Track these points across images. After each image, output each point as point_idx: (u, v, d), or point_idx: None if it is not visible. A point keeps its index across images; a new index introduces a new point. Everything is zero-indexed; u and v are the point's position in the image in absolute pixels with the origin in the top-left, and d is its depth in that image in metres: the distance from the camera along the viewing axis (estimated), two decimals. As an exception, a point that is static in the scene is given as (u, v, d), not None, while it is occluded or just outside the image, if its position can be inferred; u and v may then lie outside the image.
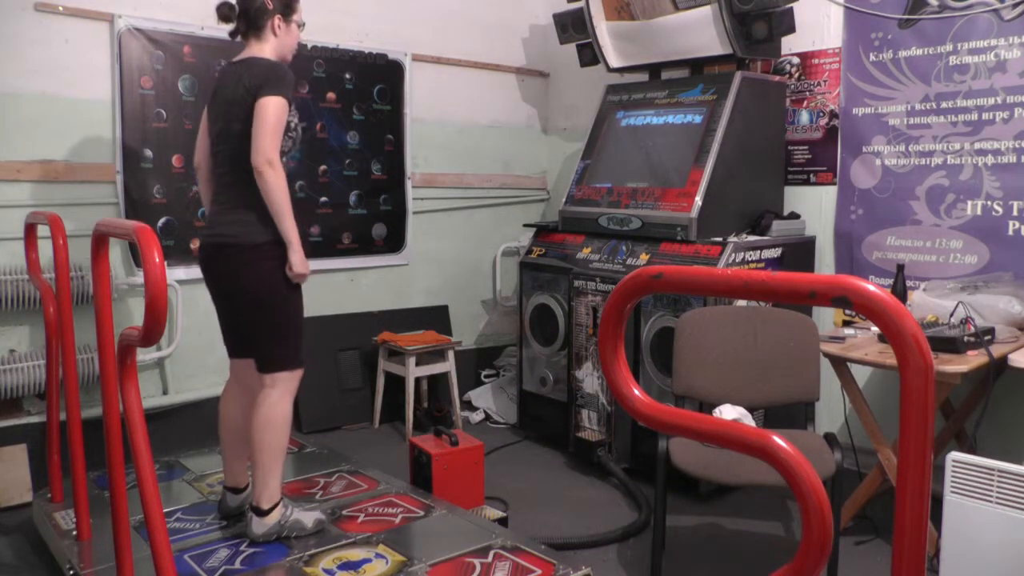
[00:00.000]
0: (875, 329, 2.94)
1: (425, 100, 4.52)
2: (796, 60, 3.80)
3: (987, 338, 2.68)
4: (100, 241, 2.06)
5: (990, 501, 2.20)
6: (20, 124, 3.28)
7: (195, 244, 3.72)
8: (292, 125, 2.50)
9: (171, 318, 3.60)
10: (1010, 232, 3.17)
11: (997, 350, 2.63)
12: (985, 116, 3.21)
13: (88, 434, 2.62)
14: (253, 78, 2.43)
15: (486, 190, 4.85)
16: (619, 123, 3.98)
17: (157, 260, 1.67)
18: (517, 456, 3.90)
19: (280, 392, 2.52)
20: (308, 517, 2.62)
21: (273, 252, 2.46)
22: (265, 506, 2.52)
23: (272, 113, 2.37)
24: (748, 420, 2.72)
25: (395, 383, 4.21)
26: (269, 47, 2.55)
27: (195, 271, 3.65)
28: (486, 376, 4.79)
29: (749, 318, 2.89)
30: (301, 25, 2.65)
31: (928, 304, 2.91)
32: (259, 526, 2.53)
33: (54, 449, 2.88)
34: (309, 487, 3.03)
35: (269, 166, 2.35)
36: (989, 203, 3.22)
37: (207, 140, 2.65)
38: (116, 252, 3.48)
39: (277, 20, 2.55)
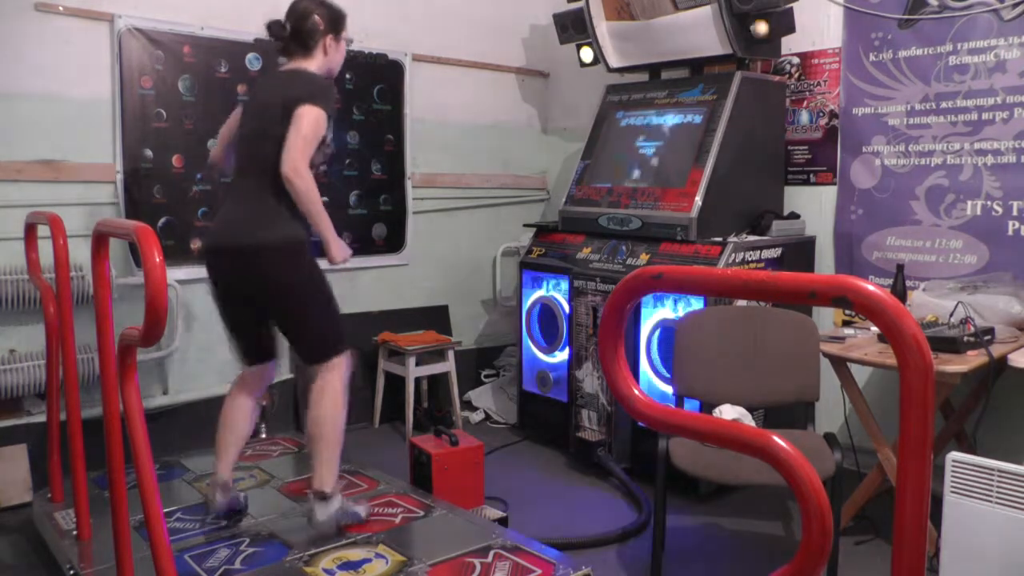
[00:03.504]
0: (875, 329, 2.94)
1: (425, 100, 4.52)
2: (796, 60, 3.80)
3: (987, 338, 2.68)
4: (100, 241, 2.06)
5: (990, 501, 2.20)
6: (20, 124, 3.28)
7: (195, 244, 3.72)
8: (327, 140, 2.52)
9: (171, 318, 3.60)
10: (1010, 232, 3.17)
11: (997, 350, 2.63)
12: (985, 116, 3.21)
13: (88, 434, 2.62)
14: (298, 88, 2.46)
15: (486, 190, 4.85)
16: (619, 123, 3.98)
17: (157, 260, 1.67)
18: (517, 456, 3.90)
19: (338, 375, 2.58)
20: (362, 509, 2.69)
21: (302, 247, 2.52)
22: (329, 490, 2.57)
23: (309, 123, 2.40)
24: (748, 420, 2.72)
25: (395, 383, 4.21)
26: (316, 63, 2.59)
27: (195, 271, 3.67)
28: (486, 376, 4.79)
29: (749, 318, 2.89)
30: (349, 42, 2.70)
31: (928, 304, 2.91)
32: (323, 512, 2.56)
33: (54, 449, 2.88)
34: (309, 487, 3.02)
35: (295, 174, 2.36)
36: (989, 203, 3.22)
37: (230, 140, 2.70)
38: (116, 252, 3.48)
39: (329, 39, 2.59)
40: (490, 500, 3.15)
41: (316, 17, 2.56)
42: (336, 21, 2.61)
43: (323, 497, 2.57)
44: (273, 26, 2.58)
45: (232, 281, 2.59)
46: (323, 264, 2.61)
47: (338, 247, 2.56)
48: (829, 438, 2.59)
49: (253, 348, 2.73)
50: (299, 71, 2.57)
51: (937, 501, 2.27)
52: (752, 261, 3.38)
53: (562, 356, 3.86)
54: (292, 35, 2.57)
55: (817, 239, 3.72)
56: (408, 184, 4.49)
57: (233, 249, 2.53)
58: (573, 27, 4.14)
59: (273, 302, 2.56)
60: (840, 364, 2.84)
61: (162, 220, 3.63)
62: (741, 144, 3.52)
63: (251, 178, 2.55)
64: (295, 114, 2.39)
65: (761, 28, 3.46)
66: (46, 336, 2.82)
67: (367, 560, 2.44)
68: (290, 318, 2.58)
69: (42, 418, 3.18)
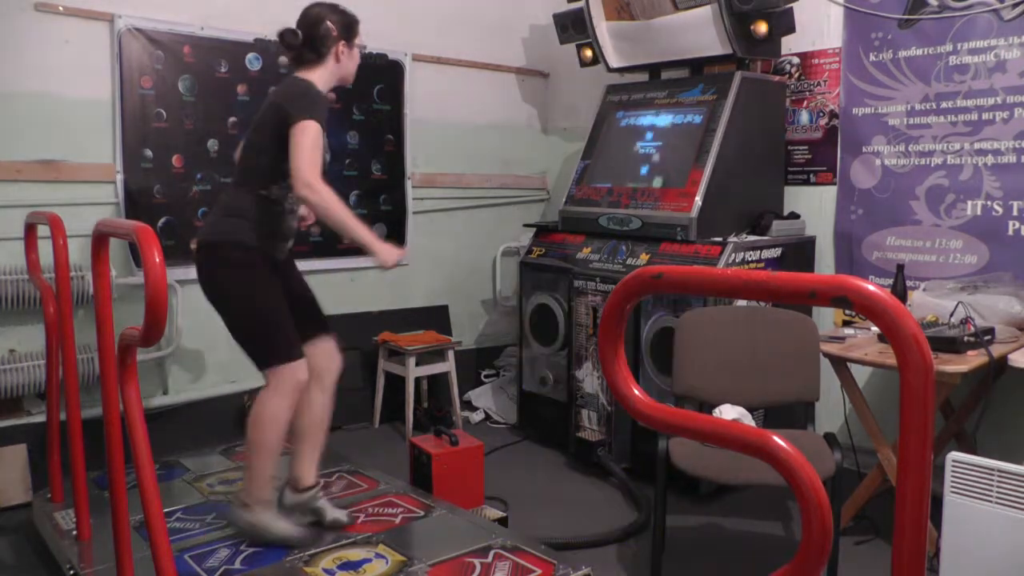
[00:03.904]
0: (875, 329, 2.94)
1: (425, 100, 4.52)
2: (796, 60, 3.80)
3: (987, 338, 2.67)
4: (100, 241, 2.06)
5: (990, 501, 2.20)
6: (20, 124, 3.28)
7: (195, 244, 3.71)
8: (324, 146, 2.50)
9: (171, 318, 3.60)
10: (1010, 232, 3.17)
11: (997, 350, 2.63)
12: (985, 116, 3.21)
13: (88, 434, 2.62)
14: (285, 96, 2.45)
15: (486, 190, 4.85)
16: (619, 123, 3.98)
17: (157, 260, 1.67)
18: (517, 456, 3.90)
19: (275, 390, 2.46)
20: (293, 530, 2.54)
21: (234, 250, 2.46)
22: (247, 500, 2.51)
23: (307, 137, 2.36)
24: (748, 420, 2.72)
25: (395, 383, 4.21)
26: (328, 70, 2.56)
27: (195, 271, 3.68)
28: (486, 376, 4.79)
29: (749, 318, 2.89)
30: (363, 48, 2.66)
31: (928, 304, 2.91)
32: (236, 516, 2.54)
33: (54, 449, 2.87)
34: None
35: (308, 189, 2.34)
36: (989, 203, 3.22)
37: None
38: (116, 252, 3.47)
39: (342, 46, 2.56)
40: (490, 500, 3.15)
41: (328, 23, 2.52)
42: (349, 27, 2.58)
43: (244, 504, 2.51)
44: (286, 34, 2.52)
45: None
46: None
47: (384, 251, 2.48)
48: (829, 438, 2.59)
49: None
50: (295, 80, 2.53)
51: (937, 501, 2.27)
52: (752, 261, 3.38)
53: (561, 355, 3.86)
54: (305, 42, 2.53)
55: (817, 239, 3.72)
56: (408, 184, 4.49)
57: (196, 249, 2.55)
58: (573, 27, 4.14)
59: (210, 299, 2.52)
60: (840, 364, 2.84)
61: (162, 220, 3.63)
62: (741, 144, 3.52)
63: (233, 177, 2.60)
64: (291, 132, 2.36)
65: (761, 28, 3.46)
66: (46, 336, 2.82)
67: (367, 560, 2.44)
68: (225, 318, 2.51)
69: (42, 418, 3.18)
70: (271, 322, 2.50)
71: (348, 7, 2.66)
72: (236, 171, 2.64)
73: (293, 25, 2.55)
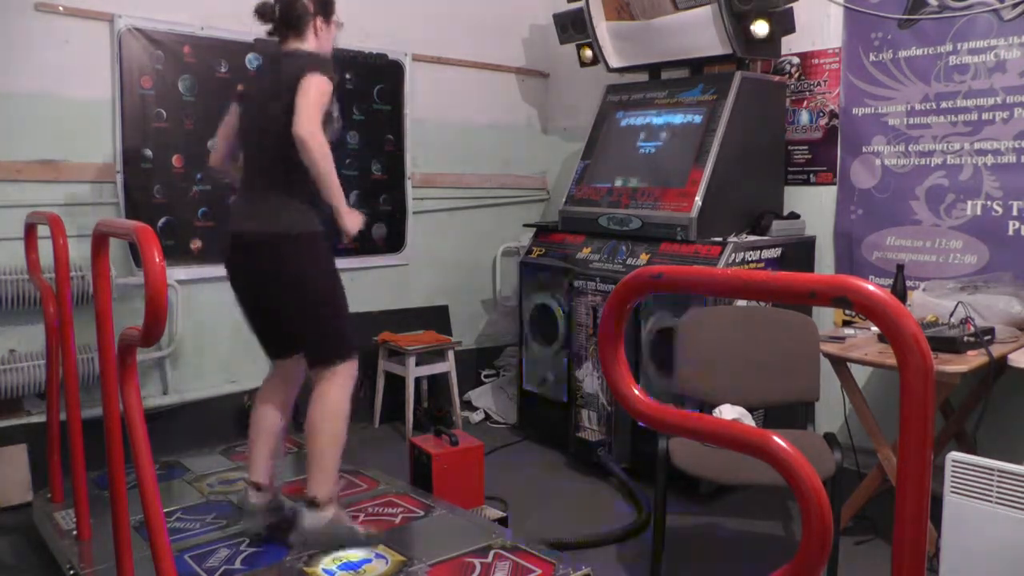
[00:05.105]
0: (875, 329, 2.94)
1: (425, 100, 4.52)
2: (796, 60, 3.80)
3: (987, 338, 2.67)
4: (100, 241, 2.06)
5: (990, 501, 2.20)
6: (20, 124, 3.28)
7: (195, 244, 3.72)
8: (335, 116, 2.47)
9: (171, 318, 3.60)
10: (1010, 232, 3.17)
11: (997, 350, 2.63)
12: (985, 116, 3.21)
13: (88, 434, 2.61)
14: (297, 63, 2.42)
15: (486, 190, 4.85)
16: (619, 123, 3.98)
17: (157, 260, 1.67)
18: (517, 456, 3.90)
19: (337, 384, 2.49)
20: (361, 531, 2.56)
21: (317, 238, 2.47)
22: (321, 497, 2.47)
23: (314, 89, 2.33)
24: (748, 420, 2.72)
25: (395, 383, 4.21)
26: (308, 47, 2.55)
27: (195, 271, 3.68)
28: (486, 376, 4.79)
29: (749, 318, 2.89)
30: (340, 25, 2.65)
31: (928, 304, 2.91)
32: (311, 519, 2.46)
33: (54, 449, 2.87)
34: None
35: (310, 135, 2.28)
36: (989, 203, 3.22)
37: (231, 139, 2.65)
38: (116, 252, 3.47)
39: (319, 21, 2.55)
40: (490, 500, 3.15)
41: (305, 0, 2.51)
42: (326, 3, 2.56)
43: (313, 504, 2.48)
44: (262, 6, 2.52)
45: (248, 274, 2.53)
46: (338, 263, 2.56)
47: (351, 217, 2.45)
48: (829, 438, 2.59)
49: (274, 341, 2.66)
50: (294, 51, 2.52)
51: (937, 501, 2.26)
52: (752, 261, 3.38)
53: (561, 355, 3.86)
54: (281, 17, 2.52)
55: (817, 239, 3.72)
56: (408, 184, 4.49)
57: (249, 242, 2.47)
58: (573, 27, 4.14)
59: (285, 295, 2.47)
60: (840, 364, 2.83)
61: (162, 220, 3.63)
62: (741, 144, 3.52)
63: (263, 169, 2.51)
64: (300, 84, 2.33)
65: (761, 28, 3.46)
66: (46, 336, 2.82)
67: (367, 560, 2.44)
68: (298, 312, 2.48)
69: (42, 418, 3.18)
70: (347, 318, 2.57)
71: (344, 2, 2.65)
72: (265, 161, 2.52)
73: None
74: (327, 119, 2.40)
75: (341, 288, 2.56)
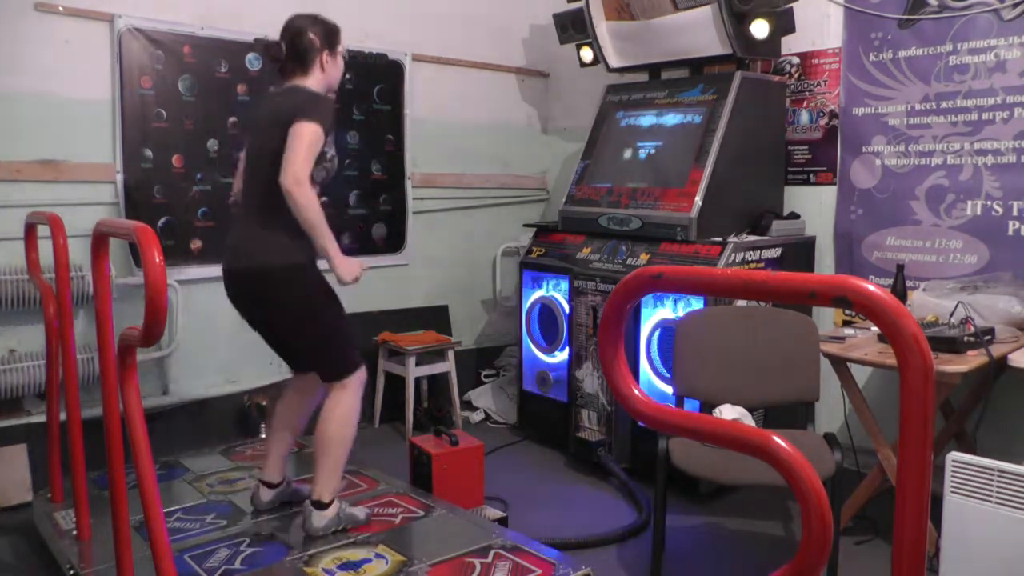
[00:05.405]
0: (875, 329, 2.94)
1: (425, 100, 4.52)
2: (796, 60, 3.80)
3: (987, 338, 2.68)
4: (100, 241, 2.06)
5: (990, 501, 2.20)
6: (20, 124, 3.28)
7: (195, 244, 3.72)
8: (328, 156, 2.50)
9: (171, 318, 3.60)
10: (1010, 232, 3.17)
11: (997, 350, 2.63)
12: (985, 116, 3.21)
13: (88, 434, 2.62)
14: (294, 105, 2.44)
15: (486, 190, 4.85)
16: (619, 123, 3.98)
17: (157, 260, 1.67)
18: (517, 456, 3.90)
19: (348, 394, 2.58)
20: (360, 511, 2.70)
21: (300, 272, 2.50)
22: (327, 499, 2.59)
23: (306, 137, 2.36)
24: (748, 420, 2.72)
25: (395, 383, 4.21)
26: (314, 80, 2.58)
27: (195, 271, 3.68)
28: (486, 376, 4.79)
29: (749, 318, 2.89)
30: (345, 56, 2.69)
31: (928, 304, 2.91)
32: (319, 519, 2.58)
33: (54, 449, 2.88)
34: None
35: (297, 185, 2.32)
36: (989, 203, 3.22)
37: (245, 173, 2.68)
38: (116, 252, 3.47)
39: (325, 55, 2.58)
40: (490, 500, 3.15)
41: (311, 35, 2.55)
42: (331, 36, 2.60)
43: (320, 506, 2.59)
44: (271, 48, 2.57)
45: (242, 303, 2.61)
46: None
47: (345, 266, 2.47)
48: (829, 438, 2.60)
49: (286, 359, 2.81)
50: (295, 88, 2.55)
51: (937, 501, 2.27)
52: (752, 261, 3.38)
53: (562, 356, 3.86)
54: (288, 54, 2.56)
55: (817, 239, 3.72)
56: (408, 184, 4.49)
57: (238, 273, 2.55)
58: (573, 27, 4.14)
59: (280, 325, 2.59)
60: (840, 364, 2.83)
61: (162, 220, 3.63)
62: (741, 144, 3.52)
63: (254, 199, 2.56)
64: (291, 130, 2.36)
65: (761, 28, 3.46)
66: (46, 336, 2.82)
67: (367, 560, 2.44)
68: (296, 340, 2.60)
69: (42, 418, 3.18)
70: (348, 334, 2.63)
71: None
72: (254, 195, 2.57)
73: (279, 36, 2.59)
74: (320, 159, 2.44)
75: (335, 312, 2.58)
